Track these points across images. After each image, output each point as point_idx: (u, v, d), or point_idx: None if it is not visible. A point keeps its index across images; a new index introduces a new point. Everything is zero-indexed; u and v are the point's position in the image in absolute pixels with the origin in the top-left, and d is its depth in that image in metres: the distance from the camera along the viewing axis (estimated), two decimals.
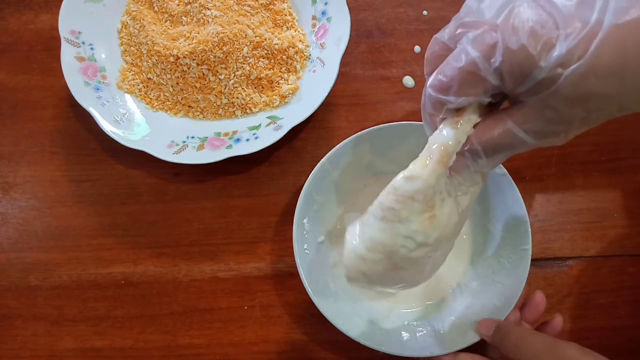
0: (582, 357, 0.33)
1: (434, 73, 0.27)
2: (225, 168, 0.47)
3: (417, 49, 0.51)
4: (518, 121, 0.26)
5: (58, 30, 0.46)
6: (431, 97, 0.27)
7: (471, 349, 0.39)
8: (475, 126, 0.28)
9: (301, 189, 0.44)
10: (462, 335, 0.39)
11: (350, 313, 0.41)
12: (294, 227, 0.41)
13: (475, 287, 0.43)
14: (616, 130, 0.49)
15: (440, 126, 0.28)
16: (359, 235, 0.32)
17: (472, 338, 0.39)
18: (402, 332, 0.41)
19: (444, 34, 0.27)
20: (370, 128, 0.42)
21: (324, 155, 0.42)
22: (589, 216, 0.47)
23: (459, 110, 0.28)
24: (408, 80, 0.51)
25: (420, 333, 0.41)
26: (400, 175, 0.29)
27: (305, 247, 0.42)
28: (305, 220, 0.42)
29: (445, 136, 0.28)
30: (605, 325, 0.44)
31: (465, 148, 0.28)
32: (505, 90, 0.26)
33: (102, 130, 0.45)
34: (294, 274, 0.45)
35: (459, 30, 0.26)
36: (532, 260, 0.40)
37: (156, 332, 0.44)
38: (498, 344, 0.36)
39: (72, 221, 0.47)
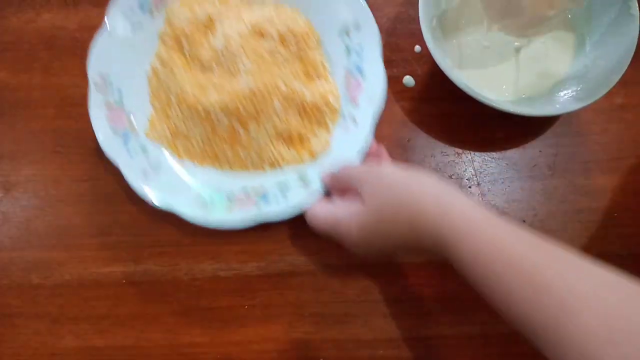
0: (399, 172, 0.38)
1: None
2: None
3: (417, 48, 0.51)
4: None
5: (59, 28, 0.46)
6: None
7: None
8: None
9: None
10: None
11: None
12: None
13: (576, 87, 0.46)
14: (617, 130, 0.49)
15: None
16: None
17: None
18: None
19: None
20: None
21: None
22: (589, 216, 0.47)
23: None
24: (408, 80, 0.50)
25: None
26: None
27: None
28: None
29: None
30: None
31: None
32: None
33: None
34: (294, 273, 0.45)
35: None
36: None
37: (157, 331, 0.44)
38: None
39: (74, 220, 0.47)
